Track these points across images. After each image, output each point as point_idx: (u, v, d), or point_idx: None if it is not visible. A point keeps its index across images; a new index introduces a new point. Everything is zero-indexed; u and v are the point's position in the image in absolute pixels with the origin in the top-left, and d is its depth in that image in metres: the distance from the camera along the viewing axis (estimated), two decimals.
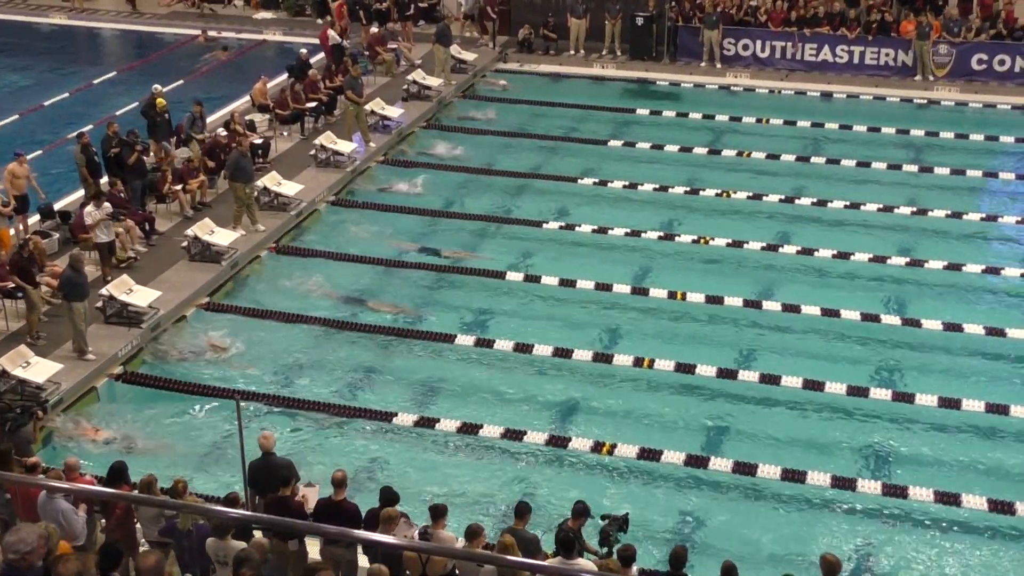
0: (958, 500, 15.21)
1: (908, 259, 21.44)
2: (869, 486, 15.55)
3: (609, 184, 24.83)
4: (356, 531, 11.81)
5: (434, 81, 29.67)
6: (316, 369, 18.71)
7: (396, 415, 17.22)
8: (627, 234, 22.54)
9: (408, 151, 26.84)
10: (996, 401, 17.12)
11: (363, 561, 12.78)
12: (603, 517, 13.37)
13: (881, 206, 23.44)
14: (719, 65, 31.42)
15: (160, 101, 24.19)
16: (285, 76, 28.69)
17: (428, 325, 19.70)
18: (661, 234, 22.58)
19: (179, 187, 22.73)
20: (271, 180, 23.48)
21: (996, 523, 14.98)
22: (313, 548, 12.79)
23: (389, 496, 12.76)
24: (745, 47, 31.56)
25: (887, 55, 30.64)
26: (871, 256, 21.44)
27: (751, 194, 24.11)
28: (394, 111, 27.94)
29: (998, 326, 19.08)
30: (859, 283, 20.87)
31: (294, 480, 13.22)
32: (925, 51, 29.94)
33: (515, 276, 21.12)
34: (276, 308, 20.18)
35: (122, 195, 21.57)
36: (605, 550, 12.93)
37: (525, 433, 16.71)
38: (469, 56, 31.80)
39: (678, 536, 14.71)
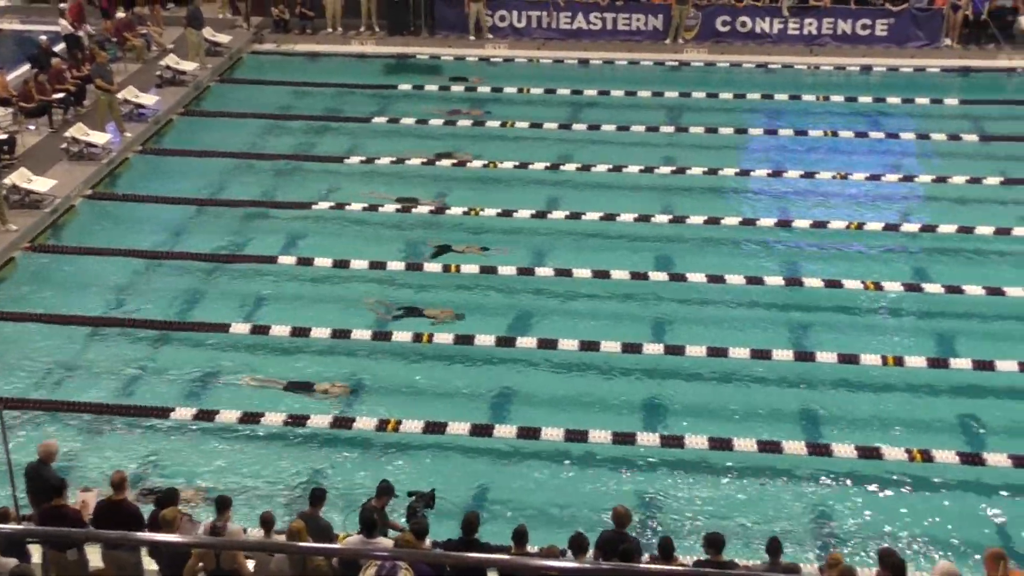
0: (730, 444, 15.91)
1: (671, 216, 22.20)
2: (648, 438, 16.08)
3: (377, 161, 24.73)
4: (137, 533, 11.45)
5: (189, 66, 28.82)
6: (86, 369, 17.97)
7: (174, 410, 16.73)
8: (398, 210, 22.52)
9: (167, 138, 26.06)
10: (758, 347, 17.97)
11: (149, 564, 12.42)
12: (410, 494, 13.42)
13: (642, 167, 24.17)
14: (491, 36, 31.66)
15: None
16: (28, 67, 27.32)
17: (202, 315, 19.22)
18: (432, 208, 22.66)
19: None
20: (20, 177, 22.35)
21: (765, 463, 15.74)
22: (96, 555, 12.32)
23: (166, 498, 12.44)
24: (502, 18, 31.92)
25: (638, 20, 31.58)
26: (636, 216, 22.09)
27: (517, 163, 24.47)
28: (149, 98, 27.03)
29: (756, 275, 20.01)
30: (626, 243, 21.48)
31: (66, 488, 12.67)
32: (684, 15, 31.02)
33: (287, 259, 20.79)
34: (37, 310, 19.28)
35: None
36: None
37: (308, 418, 16.52)
38: (223, 38, 31.02)
39: (471, 504, 14.85)
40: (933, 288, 19.58)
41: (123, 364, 18.07)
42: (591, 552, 12.09)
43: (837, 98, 28.07)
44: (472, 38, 31.71)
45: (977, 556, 13.48)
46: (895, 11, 30.73)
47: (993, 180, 23.50)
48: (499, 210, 22.35)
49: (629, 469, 15.75)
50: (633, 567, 10.87)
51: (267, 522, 12.32)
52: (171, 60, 28.62)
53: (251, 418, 16.54)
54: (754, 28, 31.26)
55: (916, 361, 17.60)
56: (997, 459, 15.49)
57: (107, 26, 30.12)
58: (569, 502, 15.13)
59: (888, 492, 15.28)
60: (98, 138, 24.51)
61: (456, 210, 22.48)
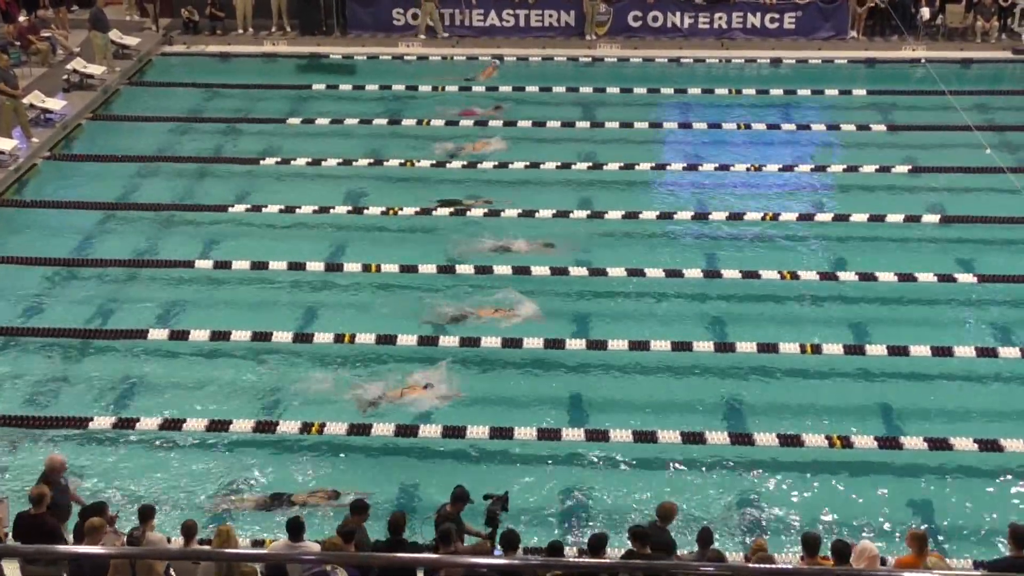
0: (655, 437, 16.01)
1: (589, 212, 22.30)
2: (573, 434, 16.14)
3: (292, 162, 24.51)
4: (56, 546, 11.23)
5: (96, 69, 28.29)
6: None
7: (92, 420, 16.41)
8: (315, 211, 22.32)
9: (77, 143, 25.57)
10: (679, 339, 18.07)
11: None
12: (486, 497, 13.43)
13: (560, 163, 24.25)
14: (445, 35, 31.60)
15: None
16: None
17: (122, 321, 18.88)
18: (349, 208, 22.52)
19: None
20: None
21: (688, 454, 15.87)
22: (14, 570, 12.06)
23: (93, 509, 12.23)
24: (414, 16, 31.83)
25: (551, 16, 31.75)
26: (555, 212, 22.15)
27: (434, 162, 24.41)
28: (56, 103, 26.51)
29: (675, 268, 20.16)
30: (549, 238, 21.48)
31: None
32: (595, 10, 31.21)
33: (204, 263, 20.52)
34: None
35: None
36: (489, 530, 13.03)
37: (231, 423, 16.32)
38: (131, 41, 30.51)
39: (396, 504, 14.75)
40: (847, 276, 19.93)
41: (36, 374, 17.69)
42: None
43: (749, 91, 28.45)
44: (423, 37, 31.56)
45: (899, 536, 13.78)
46: (802, 3, 31.24)
47: (902, 168, 23.99)
48: (417, 208, 22.28)
49: (555, 465, 15.79)
50: (560, 560, 10.93)
51: (189, 530, 12.16)
52: (78, 64, 28.07)
53: (172, 424, 16.30)
54: (665, 23, 31.59)
55: (833, 348, 17.89)
56: (913, 442, 15.82)
57: (9, 29, 29.46)
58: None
59: (810, 478, 15.51)
60: (4, 144, 23.96)
61: (374, 209, 22.36)
